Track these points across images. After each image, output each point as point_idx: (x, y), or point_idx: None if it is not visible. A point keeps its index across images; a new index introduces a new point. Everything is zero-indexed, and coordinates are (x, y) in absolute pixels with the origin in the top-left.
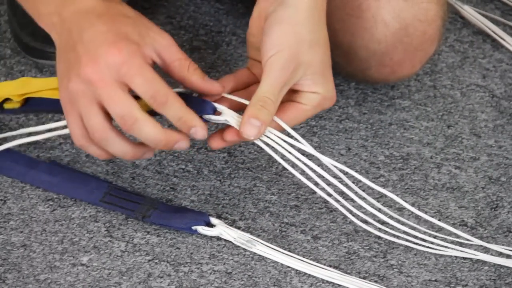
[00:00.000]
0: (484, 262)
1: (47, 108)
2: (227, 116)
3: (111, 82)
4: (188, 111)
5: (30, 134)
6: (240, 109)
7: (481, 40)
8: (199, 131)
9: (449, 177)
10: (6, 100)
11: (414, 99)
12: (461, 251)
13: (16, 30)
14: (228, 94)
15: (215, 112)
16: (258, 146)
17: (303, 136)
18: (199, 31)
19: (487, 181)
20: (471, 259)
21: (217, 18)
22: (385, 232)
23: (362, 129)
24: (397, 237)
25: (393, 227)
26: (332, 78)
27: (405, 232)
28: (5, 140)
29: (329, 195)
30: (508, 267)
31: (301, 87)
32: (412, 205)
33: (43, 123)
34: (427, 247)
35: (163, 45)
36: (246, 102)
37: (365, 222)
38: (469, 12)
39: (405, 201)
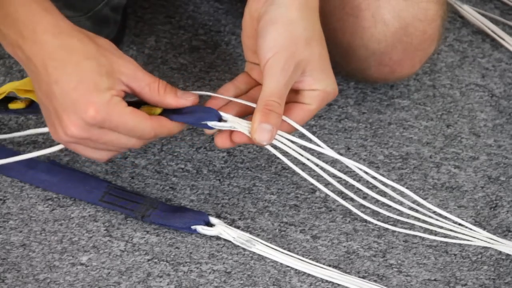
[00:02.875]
0: (483, 262)
1: None
2: (233, 123)
3: (100, 133)
4: (176, 128)
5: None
6: (245, 114)
7: (480, 40)
8: None
9: (448, 176)
10: (12, 100)
11: (413, 98)
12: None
13: None
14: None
15: (220, 119)
16: (257, 145)
17: (302, 135)
18: (198, 30)
19: (486, 181)
20: (470, 258)
21: (216, 18)
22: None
23: (361, 129)
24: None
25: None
26: (331, 71)
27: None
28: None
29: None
30: (507, 266)
31: (302, 85)
32: (412, 204)
33: (42, 122)
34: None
35: (129, 75)
36: (253, 105)
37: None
38: (469, 12)
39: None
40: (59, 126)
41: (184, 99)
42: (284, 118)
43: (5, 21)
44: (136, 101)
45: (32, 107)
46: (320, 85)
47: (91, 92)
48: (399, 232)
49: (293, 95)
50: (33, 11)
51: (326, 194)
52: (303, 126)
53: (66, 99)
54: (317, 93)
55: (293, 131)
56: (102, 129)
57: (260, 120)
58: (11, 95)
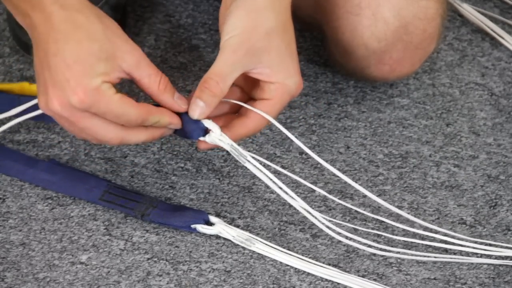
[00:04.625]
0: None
1: None
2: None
3: (81, 116)
4: (164, 114)
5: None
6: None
7: (480, 38)
8: (175, 125)
9: (448, 175)
10: None
11: (413, 97)
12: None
13: (15, 28)
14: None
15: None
16: (257, 144)
17: (302, 134)
18: (198, 29)
19: (486, 179)
20: (469, 257)
21: (215, 17)
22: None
23: (361, 128)
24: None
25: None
26: (294, 65)
27: (404, 232)
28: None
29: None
30: (506, 265)
31: (261, 76)
32: (411, 203)
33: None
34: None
35: (131, 64)
36: (247, 106)
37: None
38: (468, 10)
39: (404, 199)
40: (44, 96)
41: (178, 105)
42: (255, 109)
43: None
44: None
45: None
46: (278, 77)
47: (83, 75)
48: (399, 231)
49: (256, 91)
50: None
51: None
52: (298, 125)
53: (58, 75)
54: (275, 86)
55: (265, 125)
56: (84, 113)
57: (194, 95)
58: None
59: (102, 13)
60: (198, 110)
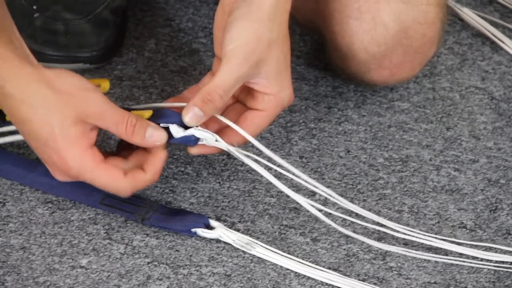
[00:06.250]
0: (483, 264)
1: None
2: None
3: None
4: (154, 178)
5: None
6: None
7: (480, 43)
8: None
9: (448, 179)
10: None
11: (413, 101)
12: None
13: None
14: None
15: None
16: (257, 148)
17: (302, 138)
18: (198, 33)
19: (486, 183)
20: (470, 260)
21: None
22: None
23: (361, 132)
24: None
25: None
26: (288, 77)
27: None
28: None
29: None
30: (507, 269)
31: (256, 86)
32: (411, 207)
33: None
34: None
35: (95, 118)
36: (235, 126)
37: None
38: (468, 15)
39: (404, 203)
40: (49, 168)
41: (152, 142)
42: (239, 130)
43: None
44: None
45: None
46: (273, 89)
47: (61, 149)
48: (399, 234)
49: (249, 101)
50: None
51: (326, 197)
52: (298, 129)
53: (40, 153)
54: (270, 98)
55: (247, 142)
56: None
57: (194, 103)
58: None
59: (53, 75)
60: (196, 119)
